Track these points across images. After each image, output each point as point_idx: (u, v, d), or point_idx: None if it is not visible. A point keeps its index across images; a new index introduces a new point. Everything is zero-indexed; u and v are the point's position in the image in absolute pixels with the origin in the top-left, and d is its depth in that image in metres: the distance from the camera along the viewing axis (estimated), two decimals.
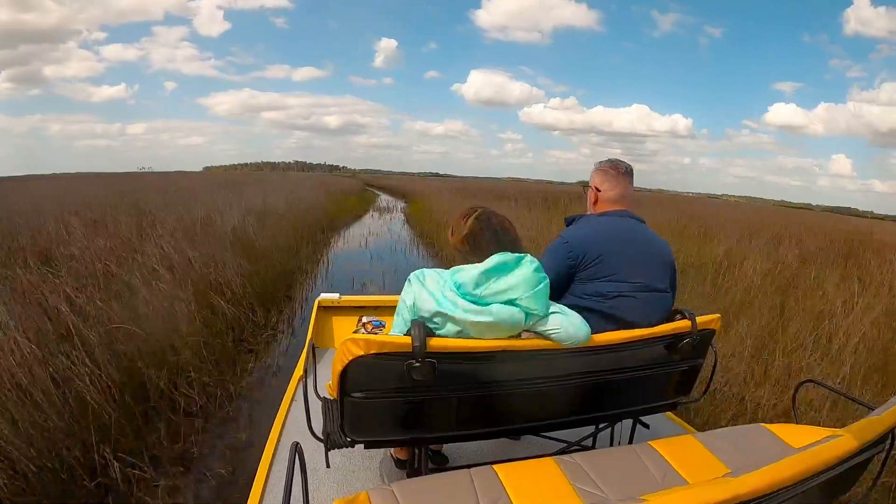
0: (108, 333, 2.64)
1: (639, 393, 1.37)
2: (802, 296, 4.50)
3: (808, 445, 0.96)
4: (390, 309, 1.57)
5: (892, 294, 4.50)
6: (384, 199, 20.88)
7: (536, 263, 1.12)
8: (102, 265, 3.82)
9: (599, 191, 1.47)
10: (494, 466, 1.02)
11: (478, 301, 1.06)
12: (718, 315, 1.38)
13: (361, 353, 1.01)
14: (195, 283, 3.75)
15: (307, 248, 7.18)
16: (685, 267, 5.63)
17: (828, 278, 4.99)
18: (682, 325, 1.29)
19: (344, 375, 1.04)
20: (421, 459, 1.26)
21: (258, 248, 5.71)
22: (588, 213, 1.51)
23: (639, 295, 1.34)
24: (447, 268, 1.15)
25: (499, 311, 1.07)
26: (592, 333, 1.16)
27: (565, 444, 1.47)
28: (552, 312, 1.13)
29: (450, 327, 1.08)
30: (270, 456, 1.53)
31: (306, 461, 0.86)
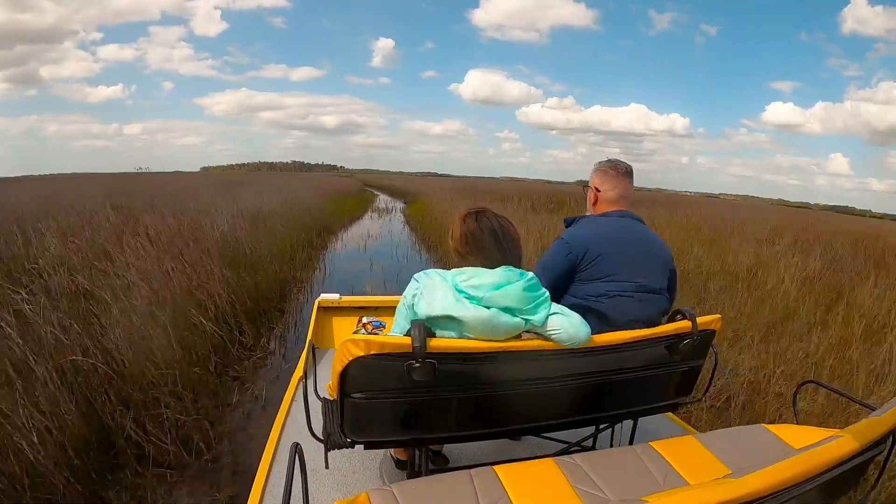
0: (68, 364, 2.28)
1: (639, 393, 1.36)
2: (847, 309, 4.10)
3: (809, 446, 0.96)
4: (390, 309, 1.55)
5: None
6: (383, 199, 20.55)
7: (535, 280, 1.11)
8: (68, 279, 3.40)
9: (599, 191, 1.46)
10: (495, 467, 1.02)
11: (481, 304, 1.06)
12: (719, 316, 1.36)
13: (361, 353, 1.00)
14: (174, 299, 3.31)
15: (303, 253, 6.76)
16: (712, 275, 5.22)
17: (865, 289, 4.61)
18: (682, 325, 1.28)
19: (344, 376, 1.03)
20: (421, 460, 1.25)
21: (249, 255, 5.28)
22: (588, 213, 1.50)
23: (639, 295, 1.33)
24: (447, 268, 1.15)
25: (499, 314, 1.07)
26: (593, 334, 1.16)
27: (566, 445, 1.46)
28: (552, 313, 1.12)
29: (452, 329, 1.08)
30: (270, 456, 1.52)
31: (306, 462, 0.85)
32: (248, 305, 3.90)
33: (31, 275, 3.58)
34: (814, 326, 3.72)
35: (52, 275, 3.51)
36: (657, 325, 1.31)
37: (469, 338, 1.07)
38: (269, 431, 1.67)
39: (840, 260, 6.24)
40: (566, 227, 1.48)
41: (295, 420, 1.72)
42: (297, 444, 0.85)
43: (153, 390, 2.47)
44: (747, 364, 2.98)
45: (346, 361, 1.01)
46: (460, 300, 1.06)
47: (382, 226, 11.57)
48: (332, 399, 1.17)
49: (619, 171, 1.46)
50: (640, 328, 1.26)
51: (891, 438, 1.00)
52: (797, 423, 1.29)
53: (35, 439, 1.85)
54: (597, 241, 1.35)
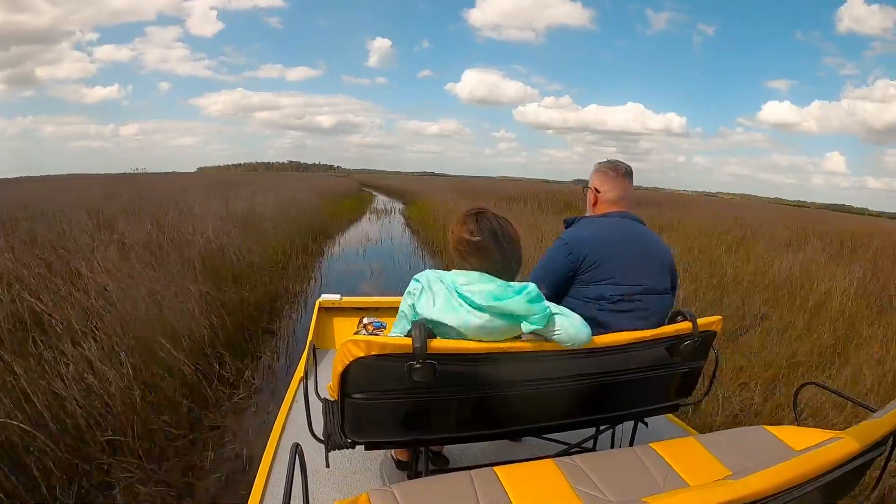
0: None
1: (640, 395, 1.36)
2: None
3: (810, 448, 0.97)
4: (391, 310, 1.56)
5: None
6: (381, 199, 20.10)
7: (536, 292, 1.09)
8: (15, 302, 2.86)
9: (599, 192, 1.46)
10: (495, 468, 1.02)
11: (480, 308, 1.06)
12: (720, 317, 1.35)
13: (362, 354, 1.00)
14: (139, 327, 2.78)
15: (297, 260, 6.23)
16: (751, 284, 4.73)
17: None
18: (683, 326, 1.28)
19: (344, 376, 1.03)
20: (421, 461, 1.25)
21: (236, 264, 4.75)
22: (588, 214, 1.49)
23: (639, 296, 1.32)
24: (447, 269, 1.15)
25: (494, 319, 1.07)
26: (594, 335, 1.15)
27: (566, 446, 1.45)
28: (553, 314, 1.11)
29: (451, 330, 1.07)
30: (271, 457, 1.50)
31: (307, 462, 0.85)
32: (230, 329, 3.35)
33: None
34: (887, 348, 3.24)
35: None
36: (658, 326, 1.31)
37: (469, 339, 1.07)
38: (270, 432, 1.66)
39: (883, 271, 5.74)
40: (566, 227, 1.47)
41: (295, 420, 1.71)
42: (298, 444, 0.85)
43: (105, 455, 1.96)
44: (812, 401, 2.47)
45: (347, 362, 1.01)
46: (459, 303, 1.06)
47: (382, 228, 11.04)
48: (332, 399, 1.16)
49: (619, 171, 1.45)
50: (640, 329, 1.26)
51: (891, 440, 0.99)
52: (798, 425, 1.28)
53: None
54: (597, 242, 1.34)
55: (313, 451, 1.22)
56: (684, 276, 4.81)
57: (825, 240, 8.17)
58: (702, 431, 1.67)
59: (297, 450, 0.83)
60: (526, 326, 1.07)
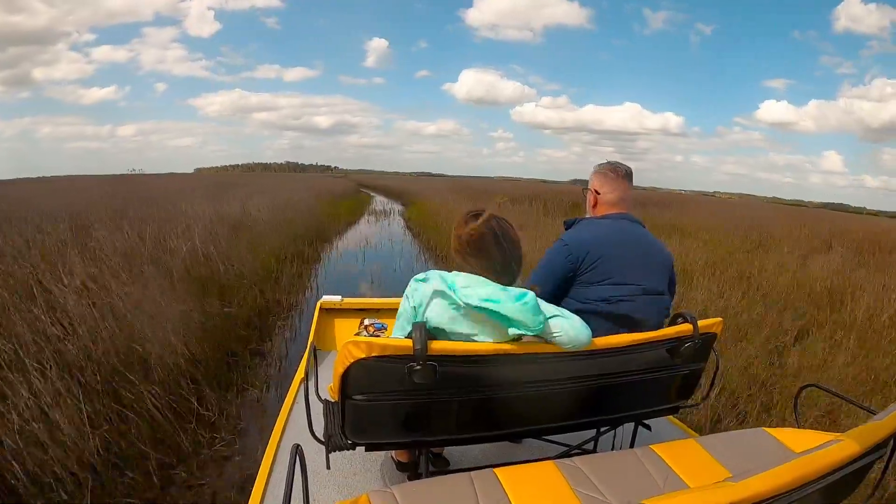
0: None
1: (640, 396, 1.35)
2: None
3: (810, 450, 0.97)
4: (392, 311, 1.52)
5: None
6: (379, 200, 19.71)
7: (534, 302, 1.07)
8: None
9: (599, 193, 1.46)
10: (495, 470, 1.01)
11: (477, 309, 1.05)
12: (720, 319, 1.34)
13: (363, 355, 1.00)
14: (101, 357, 2.35)
15: (292, 267, 5.82)
16: (786, 295, 4.33)
17: None
18: (683, 328, 1.27)
19: (345, 378, 1.03)
20: (422, 462, 1.24)
21: (223, 274, 4.33)
22: (587, 215, 1.49)
23: (639, 298, 1.32)
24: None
25: (489, 321, 1.07)
26: (594, 337, 1.15)
27: (566, 448, 1.44)
28: (553, 316, 1.11)
29: (451, 331, 1.08)
30: (271, 458, 1.50)
31: (307, 463, 0.85)
32: (212, 355, 2.91)
33: None
34: None
35: None
36: (658, 328, 1.31)
37: (468, 340, 1.07)
38: (271, 432, 1.64)
39: None
40: (566, 228, 1.47)
41: (296, 421, 1.70)
42: (298, 445, 0.85)
43: None
44: None
45: (348, 363, 1.01)
46: (458, 303, 1.06)
47: (381, 231, 10.64)
48: (333, 401, 1.16)
49: (619, 173, 1.45)
50: (641, 331, 1.25)
51: (892, 442, 0.99)
52: (798, 427, 1.27)
53: None
54: (597, 244, 1.34)
55: (314, 453, 1.22)
56: (714, 287, 4.41)
57: (843, 242, 7.81)
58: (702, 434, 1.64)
59: (297, 451, 0.83)
60: (512, 331, 1.06)
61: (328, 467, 1.23)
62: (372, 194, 23.53)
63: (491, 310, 1.03)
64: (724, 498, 0.72)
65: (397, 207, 16.33)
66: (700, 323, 1.27)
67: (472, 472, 1.00)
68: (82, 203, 8.05)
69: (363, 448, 1.19)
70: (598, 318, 1.27)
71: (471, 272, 1.12)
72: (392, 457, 1.52)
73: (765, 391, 2.73)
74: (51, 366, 2.20)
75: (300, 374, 2.04)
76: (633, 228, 1.41)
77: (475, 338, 1.07)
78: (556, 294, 1.33)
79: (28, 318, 2.57)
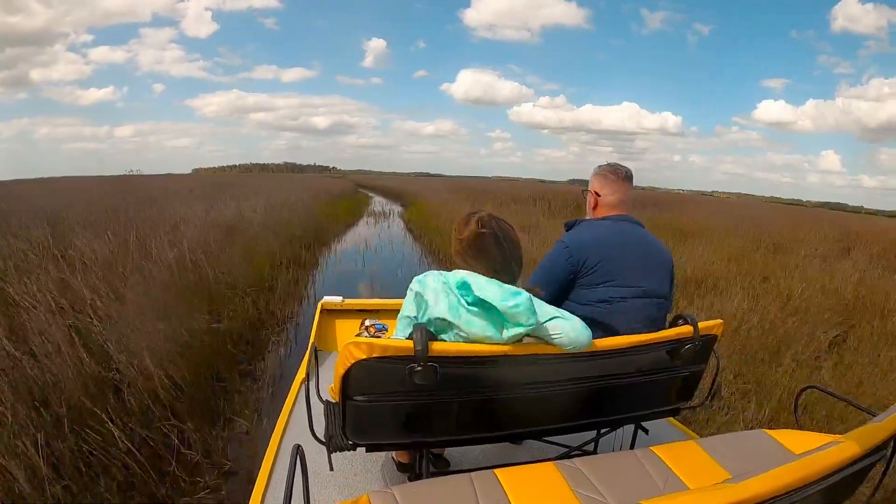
0: None
1: (640, 398, 1.35)
2: None
3: (810, 451, 0.97)
4: (393, 312, 1.53)
5: None
6: (378, 201, 19.41)
7: (528, 304, 1.06)
8: None
9: (599, 195, 1.46)
10: (496, 471, 1.02)
11: (475, 307, 1.06)
12: (720, 321, 1.34)
13: (364, 356, 1.00)
14: (67, 391, 2.03)
15: (288, 273, 5.50)
16: (817, 304, 4.05)
17: None
18: (684, 330, 1.28)
19: (346, 378, 1.03)
20: (422, 463, 1.25)
21: (213, 284, 4.02)
22: (588, 217, 1.49)
23: (640, 300, 1.32)
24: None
25: (491, 318, 1.07)
26: (595, 338, 1.15)
27: (567, 449, 1.44)
28: (553, 317, 1.11)
29: (451, 332, 1.07)
30: (272, 458, 1.49)
31: (308, 464, 0.85)
32: (195, 382, 2.58)
33: None
34: None
35: None
36: (659, 329, 1.31)
37: (468, 341, 1.07)
38: (272, 433, 1.63)
39: None
40: (566, 230, 1.47)
41: (297, 422, 1.69)
42: (299, 445, 0.84)
43: None
44: None
45: (349, 364, 1.01)
46: (458, 304, 1.06)
47: (381, 234, 10.31)
48: (334, 401, 1.16)
49: (619, 175, 1.44)
50: (641, 332, 1.25)
51: (892, 444, 0.99)
52: (798, 429, 1.26)
53: None
54: (597, 245, 1.33)
55: (314, 453, 1.21)
56: (743, 297, 4.12)
57: (863, 245, 7.55)
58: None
59: (298, 451, 0.83)
60: (506, 333, 1.05)
61: (329, 468, 1.22)
62: (370, 195, 23.20)
63: (488, 306, 1.03)
64: (724, 499, 0.73)
65: (396, 208, 16.03)
66: (700, 325, 1.27)
67: (473, 473, 1.01)
68: (68, 207, 7.70)
69: (364, 449, 1.19)
70: (597, 319, 1.27)
71: (471, 272, 1.12)
72: (393, 457, 1.52)
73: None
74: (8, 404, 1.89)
75: (301, 374, 2.03)
76: (634, 230, 1.41)
77: (474, 332, 1.05)
78: (557, 295, 1.33)
79: None
